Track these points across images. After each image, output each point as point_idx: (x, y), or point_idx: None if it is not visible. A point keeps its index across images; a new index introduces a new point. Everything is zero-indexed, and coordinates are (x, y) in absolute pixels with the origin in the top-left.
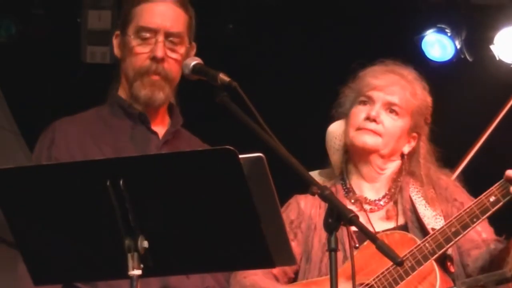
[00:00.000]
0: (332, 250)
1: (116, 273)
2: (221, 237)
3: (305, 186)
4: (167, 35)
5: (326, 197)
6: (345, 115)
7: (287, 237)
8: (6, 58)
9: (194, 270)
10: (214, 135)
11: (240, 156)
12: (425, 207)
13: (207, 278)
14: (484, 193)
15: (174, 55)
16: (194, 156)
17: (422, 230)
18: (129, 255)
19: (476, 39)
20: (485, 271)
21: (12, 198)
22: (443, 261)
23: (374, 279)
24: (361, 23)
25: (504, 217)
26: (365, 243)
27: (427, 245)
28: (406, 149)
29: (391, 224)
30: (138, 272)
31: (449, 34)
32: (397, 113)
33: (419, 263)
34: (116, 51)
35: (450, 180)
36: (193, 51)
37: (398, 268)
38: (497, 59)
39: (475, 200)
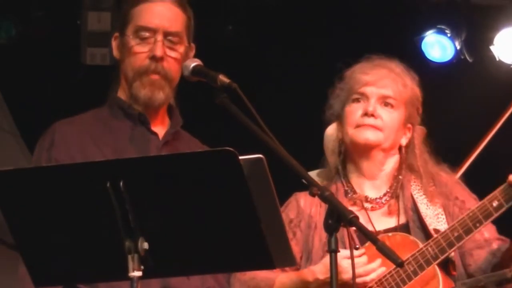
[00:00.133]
0: (332, 251)
1: (116, 274)
2: (221, 238)
3: (305, 187)
4: (166, 34)
5: (326, 198)
6: (336, 117)
7: (287, 238)
8: (6, 59)
9: (194, 271)
10: (214, 137)
11: (240, 157)
12: (427, 206)
13: (207, 279)
14: (487, 197)
15: (173, 54)
16: (194, 157)
17: (424, 230)
18: (129, 257)
19: (476, 39)
20: (488, 271)
21: (12, 199)
22: (445, 264)
23: (376, 283)
24: (361, 24)
25: (506, 217)
26: (367, 244)
27: (429, 249)
28: (404, 141)
29: (392, 221)
30: (138, 273)
31: (449, 35)
32: (392, 106)
33: (421, 268)
34: (115, 52)
35: (450, 177)
36: (192, 52)
37: (401, 272)
38: (497, 59)
39: (478, 204)
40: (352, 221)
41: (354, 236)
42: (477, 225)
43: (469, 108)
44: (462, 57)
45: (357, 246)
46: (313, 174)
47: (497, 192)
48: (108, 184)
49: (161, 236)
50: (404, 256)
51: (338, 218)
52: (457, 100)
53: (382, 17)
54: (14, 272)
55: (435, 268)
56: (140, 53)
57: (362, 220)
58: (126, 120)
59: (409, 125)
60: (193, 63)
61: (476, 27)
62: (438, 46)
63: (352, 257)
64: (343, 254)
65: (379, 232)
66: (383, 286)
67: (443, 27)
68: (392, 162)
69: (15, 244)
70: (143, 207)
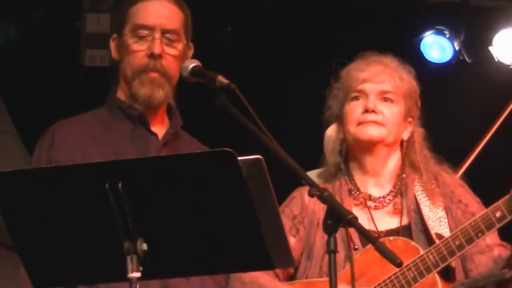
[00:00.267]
0: (331, 251)
1: (115, 275)
2: (220, 239)
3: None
4: (164, 32)
5: (325, 198)
6: (335, 117)
7: (286, 238)
8: (5, 61)
9: (194, 272)
10: (213, 137)
11: (239, 158)
12: (430, 208)
13: (206, 280)
14: (490, 207)
15: (172, 52)
16: (193, 158)
17: (426, 233)
18: (128, 258)
19: (475, 40)
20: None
21: (10, 201)
22: (446, 272)
23: (375, 287)
24: (360, 25)
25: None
26: (368, 246)
27: (430, 256)
28: (406, 135)
29: (394, 222)
30: (137, 274)
31: (448, 36)
32: (392, 100)
33: (421, 275)
34: (114, 53)
35: (453, 178)
36: (191, 51)
37: (400, 278)
38: (496, 60)
39: (481, 214)
40: (351, 221)
41: (356, 236)
42: (479, 235)
43: (468, 109)
44: (461, 57)
45: (356, 246)
46: (313, 174)
47: (500, 202)
48: (106, 186)
49: (160, 237)
50: (405, 261)
51: (337, 219)
52: (456, 101)
53: (381, 18)
54: (13, 274)
55: (435, 276)
56: (138, 51)
57: (365, 218)
58: (126, 121)
59: (410, 119)
60: (192, 64)
61: (475, 27)
62: (437, 47)
63: (351, 258)
64: None
65: (381, 233)
66: None
67: (442, 28)
68: (395, 158)
69: (14, 246)
70: (142, 208)
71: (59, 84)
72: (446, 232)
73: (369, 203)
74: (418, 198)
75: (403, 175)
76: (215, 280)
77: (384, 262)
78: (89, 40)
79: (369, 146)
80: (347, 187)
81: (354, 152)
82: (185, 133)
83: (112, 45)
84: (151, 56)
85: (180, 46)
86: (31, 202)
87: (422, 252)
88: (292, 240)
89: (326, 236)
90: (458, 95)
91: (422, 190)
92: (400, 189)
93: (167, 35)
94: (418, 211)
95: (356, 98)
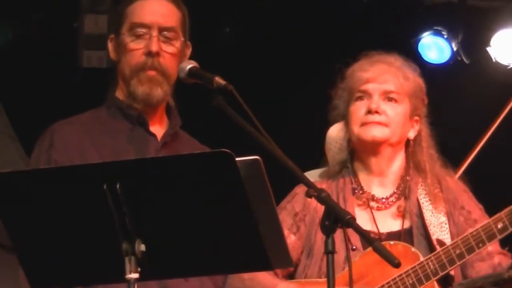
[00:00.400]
0: (329, 252)
1: (113, 276)
2: (218, 240)
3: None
4: (161, 29)
5: (323, 199)
6: (341, 117)
7: (285, 239)
8: (3, 62)
9: (192, 273)
10: (211, 138)
11: (237, 158)
12: (432, 213)
13: (205, 282)
14: (493, 218)
15: (169, 49)
16: (191, 159)
17: (427, 238)
18: (127, 259)
19: (472, 41)
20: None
21: (9, 202)
22: (444, 280)
23: None
24: (358, 25)
25: None
26: (368, 250)
27: (430, 264)
28: (412, 134)
29: (396, 224)
30: (135, 275)
31: (445, 37)
32: (396, 100)
33: (420, 282)
34: (112, 54)
35: (457, 183)
36: (189, 50)
37: (399, 283)
38: (494, 61)
39: (483, 224)
40: (349, 222)
41: (356, 236)
42: (480, 245)
43: (466, 110)
44: (459, 58)
45: (354, 247)
46: (315, 173)
47: (502, 213)
48: (104, 186)
49: (158, 238)
50: (405, 267)
51: (335, 219)
52: (454, 102)
53: (379, 19)
54: (12, 275)
55: (434, 284)
56: (136, 49)
57: (367, 219)
58: (125, 121)
59: (416, 118)
60: (189, 65)
61: (473, 28)
62: (435, 48)
63: (349, 258)
64: None
65: (382, 234)
66: None
67: (439, 28)
68: (400, 158)
69: (13, 247)
70: (140, 209)
71: (57, 86)
72: (447, 238)
73: (372, 204)
74: (421, 201)
75: (407, 177)
76: (213, 281)
77: (384, 265)
78: (87, 41)
79: (373, 146)
80: (351, 186)
81: (358, 152)
82: (185, 133)
83: (110, 45)
84: (149, 54)
85: (177, 43)
86: (29, 203)
87: (422, 258)
88: (292, 238)
89: None
90: (456, 96)
91: (425, 194)
92: (404, 191)
93: (164, 32)
94: (420, 215)
95: (360, 98)
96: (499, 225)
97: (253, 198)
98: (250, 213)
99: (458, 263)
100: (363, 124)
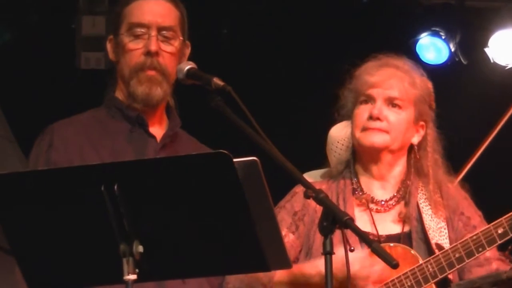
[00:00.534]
0: (327, 253)
1: (111, 278)
2: (216, 241)
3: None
4: (160, 29)
5: (321, 200)
6: (348, 117)
7: (283, 240)
8: (1, 64)
9: (190, 275)
10: (209, 139)
11: (235, 159)
12: (431, 217)
13: (203, 284)
14: (493, 223)
15: (168, 49)
16: (189, 160)
17: (426, 242)
18: (124, 260)
19: (470, 42)
20: None
21: (6, 203)
22: (443, 284)
23: None
24: (356, 26)
25: None
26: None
27: (429, 266)
28: (416, 139)
29: (396, 228)
30: (133, 277)
31: (443, 37)
32: (399, 107)
33: (419, 284)
34: (111, 55)
35: (458, 190)
36: (188, 49)
37: (397, 285)
38: (492, 61)
39: (483, 228)
40: (347, 223)
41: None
42: (480, 249)
43: (464, 110)
44: (457, 59)
45: (352, 248)
46: (316, 174)
47: (503, 219)
48: (102, 188)
49: (156, 239)
50: (404, 269)
51: (333, 220)
52: (452, 102)
53: (377, 20)
54: (10, 276)
55: (432, 287)
56: (135, 50)
57: (366, 220)
58: (124, 122)
59: (422, 123)
60: (187, 66)
61: (471, 29)
62: (432, 49)
63: (347, 259)
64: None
65: (381, 237)
66: None
67: (437, 29)
68: (401, 163)
69: (10, 249)
70: (138, 211)
71: (55, 87)
72: (446, 243)
73: (371, 206)
74: (421, 206)
75: (408, 182)
76: (210, 282)
77: (383, 268)
78: (84, 43)
79: (373, 152)
80: (351, 186)
81: (360, 156)
82: (184, 133)
83: (109, 46)
84: (148, 54)
85: (176, 43)
86: (27, 204)
87: (421, 261)
88: (291, 237)
89: None
90: (454, 97)
91: (425, 199)
92: (404, 195)
93: (163, 32)
94: (420, 219)
95: (365, 101)
96: (500, 230)
97: (251, 199)
98: (247, 214)
99: (457, 267)
100: (364, 129)
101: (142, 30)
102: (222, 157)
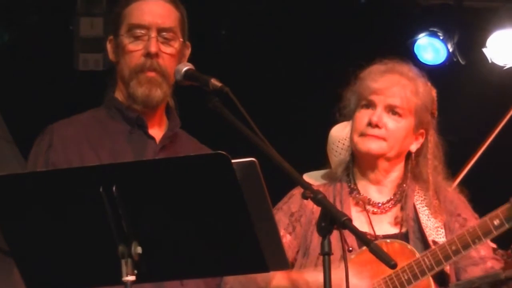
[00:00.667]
0: (325, 254)
1: (110, 279)
2: (215, 242)
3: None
4: (160, 30)
5: (319, 200)
6: (350, 117)
7: (281, 241)
8: None
9: (188, 276)
10: (207, 140)
11: (233, 160)
12: (428, 217)
13: (201, 285)
14: (489, 215)
15: (168, 50)
16: (187, 161)
17: (423, 241)
18: (123, 261)
19: (468, 42)
20: None
21: (4, 204)
22: (440, 278)
23: None
24: (354, 27)
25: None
26: (363, 248)
27: (426, 259)
28: (414, 147)
29: (393, 229)
30: (132, 278)
31: (441, 38)
32: (400, 115)
33: (416, 277)
34: (111, 55)
35: (456, 194)
36: (188, 50)
37: (394, 279)
38: (490, 62)
39: (480, 221)
40: (345, 223)
41: (353, 238)
42: (476, 241)
43: (462, 111)
44: (455, 59)
45: (350, 248)
46: (317, 175)
47: (499, 211)
48: (101, 189)
49: (155, 241)
50: (401, 264)
51: (331, 221)
52: (450, 103)
53: (375, 20)
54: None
55: (429, 279)
56: (135, 51)
57: (363, 221)
58: (124, 123)
59: (422, 131)
60: (185, 67)
61: (469, 29)
62: (430, 49)
63: (345, 260)
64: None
65: (378, 237)
66: None
67: (435, 29)
68: (398, 169)
69: (9, 250)
70: (137, 212)
71: (53, 89)
72: (442, 241)
73: (368, 207)
74: (417, 206)
75: (404, 185)
76: (207, 284)
77: (379, 263)
78: (82, 44)
79: (369, 159)
80: (348, 188)
81: (357, 160)
82: (184, 133)
83: (109, 47)
84: (148, 55)
85: (176, 44)
86: (25, 205)
87: (418, 255)
88: (288, 238)
89: None
90: (452, 97)
91: (421, 200)
92: (400, 198)
93: (163, 33)
94: (417, 219)
95: (366, 106)
96: (496, 222)
97: (249, 200)
98: (246, 215)
99: (454, 259)
100: (362, 134)
101: (142, 31)
102: (221, 158)
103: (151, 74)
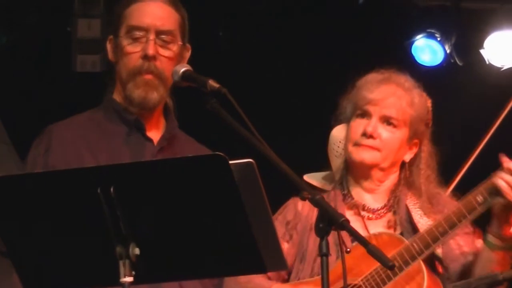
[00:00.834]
0: (323, 255)
1: (108, 280)
2: (213, 243)
3: (296, 191)
4: (158, 33)
5: (317, 202)
6: (347, 121)
7: (279, 242)
8: None
9: (186, 277)
10: (205, 141)
11: (230, 162)
12: (421, 216)
13: (199, 286)
14: (472, 192)
15: (166, 53)
16: (184, 162)
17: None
18: (121, 262)
19: (466, 43)
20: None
21: (2, 206)
22: (431, 261)
23: (362, 280)
24: (351, 29)
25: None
26: (354, 243)
27: (414, 245)
28: (408, 157)
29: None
30: (129, 279)
31: (439, 39)
32: (394, 126)
33: (406, 263)
34: (110, 55)
35: (449, 198)
36: (188, 52)
37: (386, 268)
38: (487, 63)
39: (463, 200)
40: (343, 224)
41: (349, 239)
42: (461, 219)
43: (460, 112)
44: (452, 61)
45: (348, 249)
46: (318, 176)
47: (481, 187)
48: (98, 190)
49: (153, 242)
50: (391, 253)
51: (329, 222)
52: (447, 104)
53: (372, 22)
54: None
55: (420, 263)
56: (133, 53)
57: (358, 227)
58: (122, 125)
59: (416, 140)
60: (183, 68)
61: (466, 30)
62: (428, 50)
63: (343, 261)
64: None
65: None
66: (369, 282)
67: (433, 31)
68: (392, 178)
69: (6, 251)
70: (134, 213)
71: (51, 90)
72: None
73: (363, 213)
74: (410, 207)
75: (397, 192)
76: (207, 284)
77: (371, 258)
78: (80, 45)
79: (363, 169)
80: (341, 196)
81: (351, 169)
82: (183, 134)
83: (109, 47)
84: (145, 57)
85: (175, 47)
86: (23, 207)
87: (407, 242)
88: (285, 246)
89: (319, 239)
90: (449, 98)
91: (414, 203)
92: (393, 204)
93: (162, 36)
94: (410, 220)
95: (361, 115)
96: (479, 198)
97: (247, 201)
98: (244, 216)
99: (442, 239)
100: (357, 144)
101: (141, 33)
102: (218, 159)
103: (148, 76)
